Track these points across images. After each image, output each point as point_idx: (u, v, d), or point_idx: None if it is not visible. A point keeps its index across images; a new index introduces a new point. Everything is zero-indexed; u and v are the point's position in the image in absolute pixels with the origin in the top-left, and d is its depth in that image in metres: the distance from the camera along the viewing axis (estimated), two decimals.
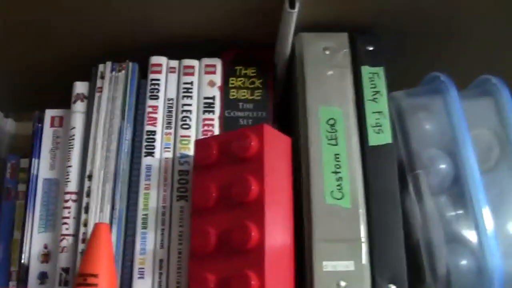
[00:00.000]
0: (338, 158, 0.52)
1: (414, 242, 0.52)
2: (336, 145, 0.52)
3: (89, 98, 0.58)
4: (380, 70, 0.55)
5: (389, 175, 0.52)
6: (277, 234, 0.47)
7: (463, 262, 0.50)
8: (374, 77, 0.55)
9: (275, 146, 0.49)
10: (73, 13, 0.55)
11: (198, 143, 0.51)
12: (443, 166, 0.53)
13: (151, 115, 0.56)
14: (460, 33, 0.59)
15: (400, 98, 0.55)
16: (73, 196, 0.55)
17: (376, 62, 0.55)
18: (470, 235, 0.51)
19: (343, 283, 0.48)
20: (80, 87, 0.58)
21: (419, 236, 0.51)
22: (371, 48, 0.56)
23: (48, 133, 0.59)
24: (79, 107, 0.58)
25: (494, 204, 0.53)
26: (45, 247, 0.55)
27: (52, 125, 0.59)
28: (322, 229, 0.50)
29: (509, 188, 0.53)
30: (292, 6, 0.52)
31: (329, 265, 0.49)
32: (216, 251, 0.47)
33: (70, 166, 0.56)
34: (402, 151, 0.53)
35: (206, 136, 0.55)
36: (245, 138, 0.48)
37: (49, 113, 0.59)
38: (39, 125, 0.59)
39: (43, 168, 0.58)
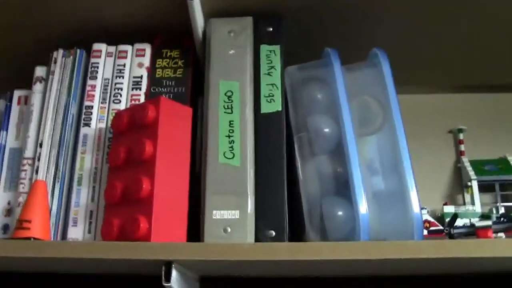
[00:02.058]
0: (232, 124, 0.61)
1: (298, 197, 0.60)
2: (231, 113, 0.61)
3: (46, 80, 0.70)
4: (276, 48, 0.64)
5: (277, 138, 0.61)
6: (168, 187, 0.57)
7: (338, 212, 0.58)
8: (271, 54, 0.63)
9: (172, 115, 0.59)
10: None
11: (115, 115, 0.62)
12: (325, 129, 0.61)
13: (89, 92, 0.67)
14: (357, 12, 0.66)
15: (294, 71, 0.63)
16: (29, 161, 0.67)
17: (274, 41, 0.64)
18: (346, 190, 0.59)
19: (229, 229, 0.57)
20: (39, 71, 0.70)
21: (301, 191, 0.60)
22: (270, 29, 0.64)
23: (15, 109, 0.71)
24: (38, 87, 0.70)
25: (376, 161, 0.60)
26: (8, 203, 0.68)
27: (19, 103, 0.71)
28: (213, 183, 0.59)
29: (387, 147, 0.60)
30: None
31: (218, 214, 0.58)
32: (120, 201, 0.58)
33: (28, 137, 0.68)
34: (291, 118, 0.62)
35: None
36: (144, 109, 0.58)
37: (17, 93, 0.72)
38: (9, 103, 0.72)
39: (9, 139, 0.70)
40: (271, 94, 0.62)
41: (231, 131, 0.60)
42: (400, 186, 0.59)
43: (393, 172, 0.60)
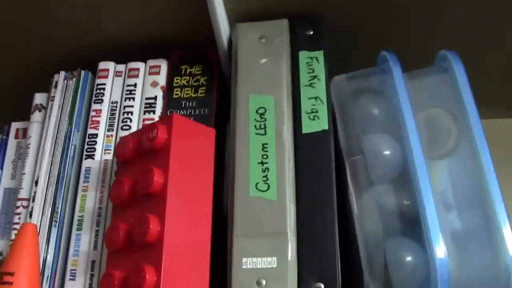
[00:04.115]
0: (266, 148, 0.48)
1: (354, 239, 0.46)
2: (264, 134, 0.48)
3: (46, 108, 0.59)
4: (319, 54, 0.51)
5: (323, 164, 0.48)
6: (183, 228, 0.44)
7: (406, 258, 0.44)
8: (313, 62, 0.51)
9: (189, 137, 0.47)
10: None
11: (119, 140, 0.50)
12: (386, 152, 0.48)
13: (94, 118, 0.55)
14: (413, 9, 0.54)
15: (342, 82, 0.51)
16: (24, 203, 0.55)
17: (315, 46, 0.52)
18: (415, 228, 0.45)
19: (264, 281, 0.44)
20: (39, 98, 0.59)
21: (356, 231, 0.46)
22: (310, 32, 0.52)
23: (12, 144, 0.60)
24: (37, 117, 0.59)
25: (449, 192, 0.47)
26: (0, 254, 0.56)
27: (16, 137, 0.60)
28: (243, 223, 0.46)
29: (466, 174, 0.47)
30: None
31: (249, 262, 0.45)
32: (124, 247, 0.45)
33: (23, 174, 0.56)
34: (341, 138, 0.49)
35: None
36: (153, 129, 0.46)
37: (14, 126, 0.61)
38: (5, 137, 0.61)
39: (5, 178, 0.59)
40: (314, 110, 0.49)
41: (264, 156, 0.48)
42: (486, 222, 0.45)
43: (474, 204, 0.46)
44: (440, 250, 0.43)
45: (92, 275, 0.50)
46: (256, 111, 0.49)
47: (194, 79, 0.56)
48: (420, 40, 0.56)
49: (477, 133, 0.47)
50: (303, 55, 0.51)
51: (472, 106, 0.47)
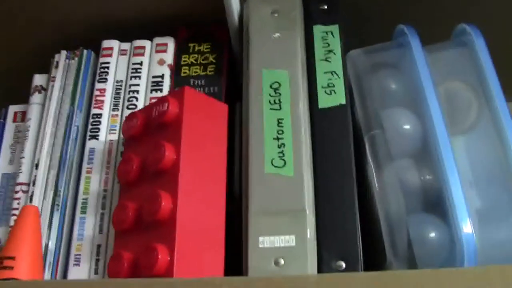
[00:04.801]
0: (281, 123, 0.46)
1: (374, 215, 0.44)
2: (279, 109, 0.46)
3: (46, 90, 0.57)
4: (334, 28, 0.49)
5: (341, 139, 0.46)
6: (196, 206, 0.42)
7: (431, 234, 0.42)
8: (328, 36, 0.49)
9: (201, 111, 0.45)
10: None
11: (127, 116, 0.48)
12: (406, 126, 0.46)
13: (98, 98, 0.53)
14: None
15: (358, 56, 0.49)
16: (24, 187, 0.52)
17: (330, 20, 0.50)
18: (439, 203, 0.43)
19: (282, 261, 0.42)
20: (39, 79, 0.57)
21: (377, 207, 0.44)
22: (324, 7, 0.50)
23: (10, 128, 0.57)
24: (36, 99, 0.56)
25: (469, 168, 0.45)
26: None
27: (15, 120, 0.58)
28: (259, 201, 0.44)
29: (487, 149, 0.45)
30: None
31: (266, 241, 0.42)
32: (133, 227, 0.42)
33: (23, 158, 0.53)
34: (359, 113, 0.47)
35: None
36: (163, 103, 0.44)
37: (12, 109, 0.58)
38: (2, 121, 0.58)
39: (2, 163, 0.56)
40: (330, 85, 0.47)
41: (280, 132, 0.46)
42: (509, 197, 0.43)
43: (496, 180, 0.45)
44: (467, 225, 0.41)
45: (97, 260, 0.48)
46: (270, 86, 0.47)
47: (203, 57, 0.54)
48: (437, 13, 0.54)
49: (500, 106, 0.45)
50: (318, 30, 0.49)
51: (495, 78, 0.46)
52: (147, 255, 0.40)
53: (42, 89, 0.57)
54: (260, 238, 0.43)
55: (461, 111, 0.46)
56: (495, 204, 0.44)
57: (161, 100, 0.44)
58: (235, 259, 0.44)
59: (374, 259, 0.43)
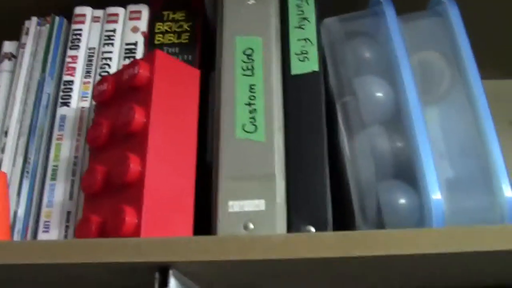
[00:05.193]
0: (253, 89, 0.45)
1: (345, 181, 0.44)
2: (251, 75, 0.46)
3: (17, 57, 0.56)
4: None
5: (313, 105, 0.45)
6: (165, 169, 0.41)
7: (401, 200, 0.42)
8: (303, 4, 0.49)
9: (172, 76, 0.44)
10: None
11: (98, 80, 0.47)
12: (378, 93, 0.45)
13: (69, 65, 0.52)
14: None
15: (333, 24, 0.49)
16: None
17: None
18: (409, 171, 0.43)
19: (251, 225, 0.42)
20: (8, 46, 0.56)
21: (348, 173, 0.44)
22: None
23: None
24: (6, 66, 0.55)
25: (440, 137, 0.45)
26: None
27: None
28: (229, 165, 0.43)
29: (459, 119, 0.45)
30: None
31: (236, 205, 0.42)
32: (102, 190, 0.42)
33: None
34: (332, 81, 0.47)
35: None
36: (134, 67, 0.43)
37: None
38: None
39: None
40: (304, 52, 0.47)
41: (252, 97, 0.45)
42: (481, 166, 0.43)
43: (468, 149, 0.45)
44: (436, 192, 0.41)
45: (67, 227, 0.47)
46: (243, 52, 0.47)
47: (178, 25, 0.53)
48: None
49: (473, 76, 0.45)
50: None
51: (468, 48, 0.46)
52: (115, 216, 0.39)
53: (12, 56, 0.56)
54: (230, 203, 0.42)
55: (434, 80, 0.46)
56: (465, 173, 0.44)
57: (132, 63, 0.44)
58: (206, 224, 0.44)
59: (344, 225, 0.43)
